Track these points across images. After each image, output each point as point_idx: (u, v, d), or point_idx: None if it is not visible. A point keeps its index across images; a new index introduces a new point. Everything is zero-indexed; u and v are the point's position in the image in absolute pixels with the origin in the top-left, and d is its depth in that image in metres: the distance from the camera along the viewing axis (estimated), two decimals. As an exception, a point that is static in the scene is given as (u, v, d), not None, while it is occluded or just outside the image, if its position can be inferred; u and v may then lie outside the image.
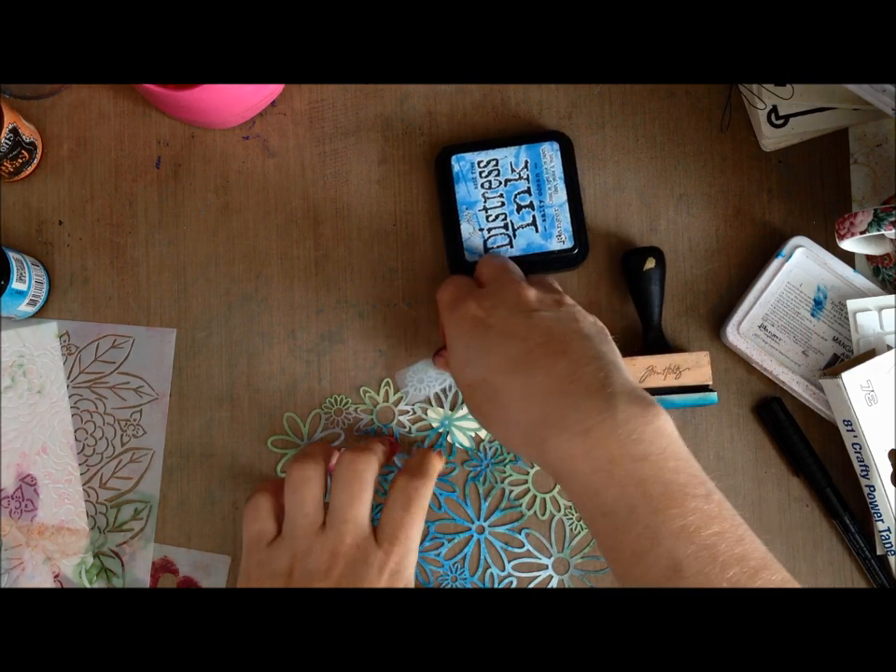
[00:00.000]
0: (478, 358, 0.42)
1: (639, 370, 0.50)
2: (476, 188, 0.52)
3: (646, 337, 0.52)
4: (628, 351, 0.51)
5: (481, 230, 0.52)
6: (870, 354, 0.50)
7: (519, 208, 0.52)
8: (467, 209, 0.52)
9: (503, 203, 0.52)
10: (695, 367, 0.50)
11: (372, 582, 0.43)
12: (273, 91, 0.53)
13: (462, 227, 0.52)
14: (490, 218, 0.52)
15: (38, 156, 0.54)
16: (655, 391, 0.50)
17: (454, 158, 0.52)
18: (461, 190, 0.52)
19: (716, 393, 0.51)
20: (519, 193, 0.52)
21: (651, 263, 0.51)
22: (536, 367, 0.40)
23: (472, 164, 0.52)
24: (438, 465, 0.49)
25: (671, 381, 0.50)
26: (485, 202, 0.52)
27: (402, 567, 0.44)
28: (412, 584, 0.45)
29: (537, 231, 0.52)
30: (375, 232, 0.54)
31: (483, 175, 0.52)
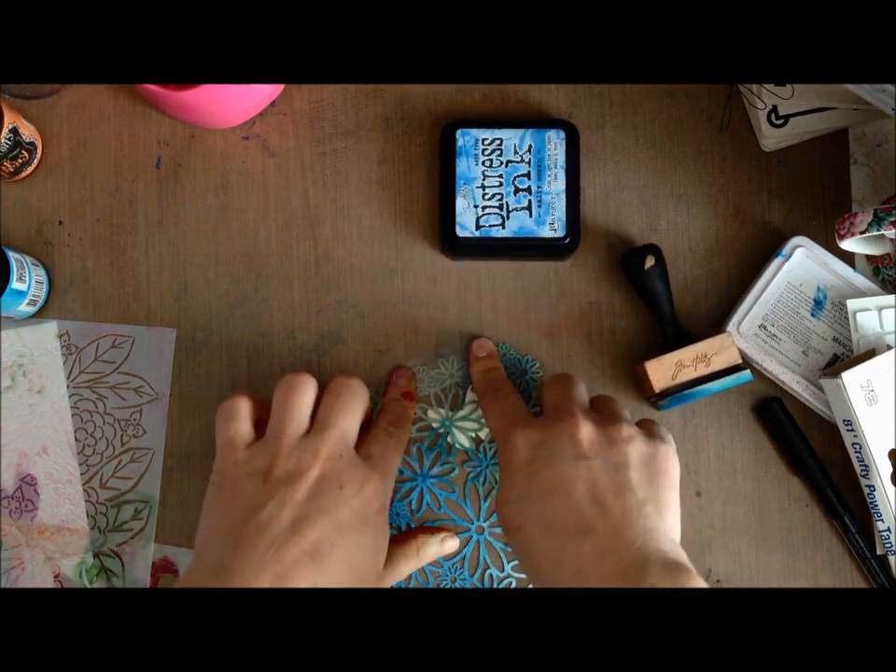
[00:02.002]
0: (519, 503, 0.43)
1: (669, 367, 0.50)
2: (477, 164, 0.52)
3: (665, 334, 0.52)
4: (649, 352, 0.51)
5: (475, 206, 0.52)
6: (870, 354, 0.50)
7: (516, 191, 0.52)
8: (464, 184, 0.52)
9: (501, 184, 0.52)
10: (722, 350, 0.50)
11: (354, 492, 0.43)
12: (272, 90, 0.53)
13: (457, 201, 0.52)
14: (486, 197, 0.52)
15: (38, 156, 0.54)
16: (689, 384, 0.50)
17: (459, 131, 0.52)
18: (461, 165, 0.52)
19: (748, 370, 0.50)
20: (518, 176, 0.52)
21: (650, 261, 0.51)
22: (570, 541, 0.40)
23: (476, 140, 0.52)
24: (412, 407, 0.52)
25: (702, 370, 0.50)
26: (484, 179, 0.52)
27: (384, 488, 0.45)
28: (387, 505, 0.45)
29: (531, 216, 0.52)
30: (375, 232, 0.54)
31: (486, 153, 0.52)
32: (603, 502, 0.41)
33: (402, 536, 0.50)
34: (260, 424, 0.46)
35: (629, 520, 0.41)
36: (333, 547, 0.41)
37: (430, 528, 0.52)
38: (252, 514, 0.41)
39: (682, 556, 0.40)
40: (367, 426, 0.49)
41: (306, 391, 0.45)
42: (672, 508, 0.43)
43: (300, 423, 0.45)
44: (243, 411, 0.46)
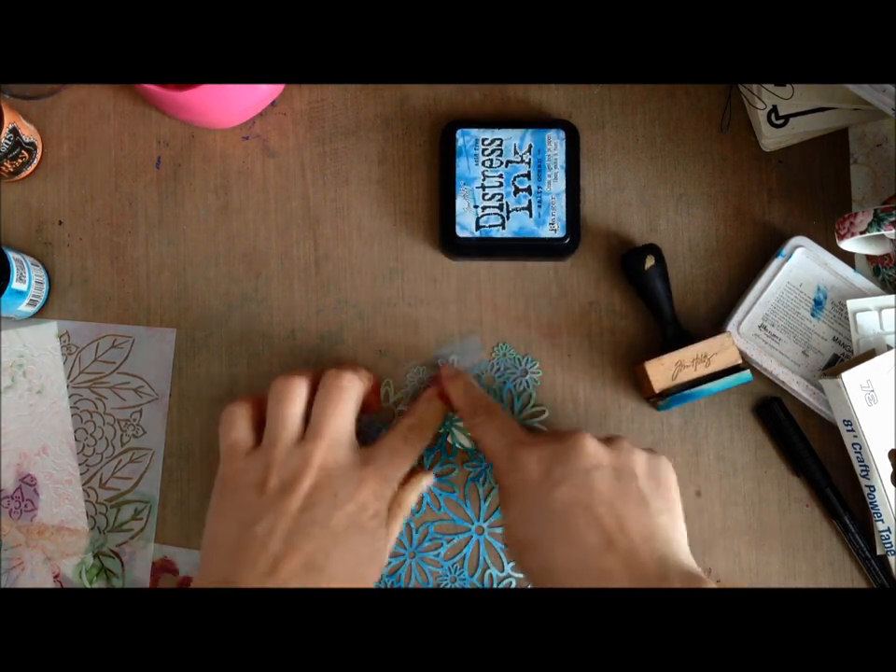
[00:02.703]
0: (536, 520, 0.42)
1: (669, 367, 0.50)
2: (477, 164, 0.52)
3: (665, 334, 0.52)
4: (649, 352, 0.51)
5: (475, 207, 0.52)
6: (870, 354, 0.50)
7: (516, 191, 0.52)
8: (464, 184, 0.52)
9: (501, 184, 0.52)
10: (722, 350, 0.50)
11: (348, 497, 0.43)
12: (272, 90, 0.53)
13: (457, 201, 0.52)
14: (486, 197, 0.52)
15: (38, 156, 0.54)
16: (690, 384, 0.50)
17: (459, 132, 0.52)
18: (461, 165, 0.52)
19: (749, 370, 0.50)
20: (518, 176, 0.52)
21: (650, 261, 0.51)
22: (592, 555, 0.40)
23: (476, 140, 0.52)
24: (440, 415, 0.49)
25: (702, 370, 0.50)
26: (484, 180, 0.52)
27: (381, 492, 0.44)
28: (385, 508, 0.44)
29: (531, 216, 0.52)
30: (375, 232, 0.54)
31: (486, 153, 0.52)
32: (622, 515, 0.41)
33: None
34: (262, 425, 0.46)
35: (649, 531, 0.41)
36: (329, 556, 0.41)
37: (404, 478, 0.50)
38: (249, 527, 0.42)
39: (695, 565, 0.40)
40: (372, 400, 0.49)
41: (296, 397, 0.45)
42: (681, 516, 0.43)
43: (292, 430, 0.44)
44: (241, 417, 0.46)
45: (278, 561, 0.41)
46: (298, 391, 0.45)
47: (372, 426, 0.53)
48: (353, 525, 0.43)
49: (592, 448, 0.43)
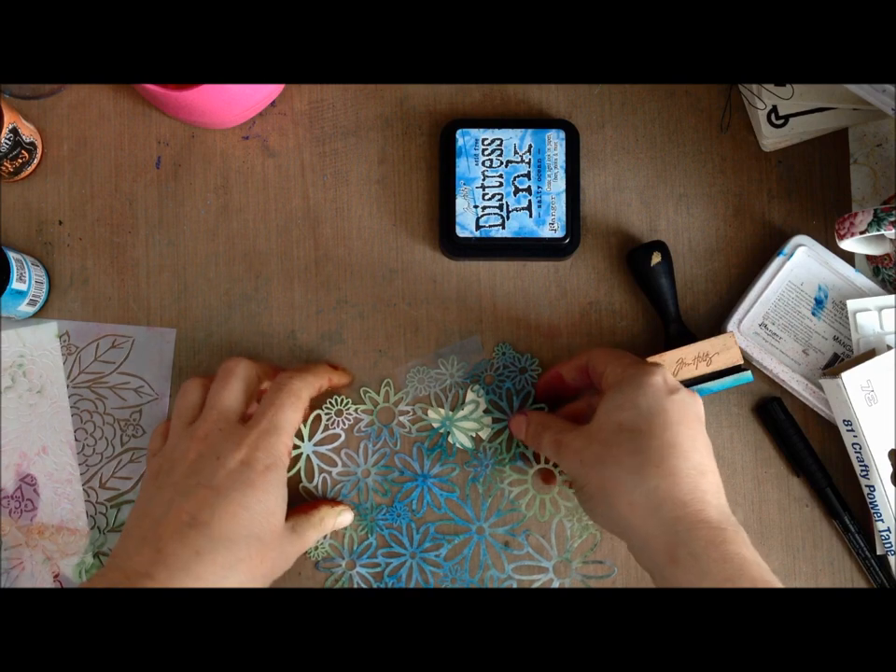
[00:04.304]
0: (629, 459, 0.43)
1: (670, 364, 0.50)
2: (477, 164, 0.52)
3: (668, 331, 0.52)
4: (648, 352, 0.51)
5: (475, 206, 0.52)
6: (870, 354, 0.50)
7: (516, 191, 0.52)
8: (464, 184, 0.52)
9: (501, 184, 0.52)
10: (724, 350, 0.50)
11: (228, 455, 0.44)
12: (272, 90, 0.53)
13: (457, 201, 0.52)
14: (486, 197, 0.52)
15: (38, 156, 0.54)
16: (690, 382, 0.50)
17: (459, 132, 0.52)
18: (461, 165, 0.52)
19: (749, 371, 0.50)
20: (518, 176, 0.52)
21: (657, 258, 0.51)
22: (705, 476, 0.42)
23: (476, 140, 0.52)
24: (322, 370, 0.50)
25: (703, 369, 0.50)
26: (484, 179, 0.52)
27: (266, 444, 0.45)
28: (277, 464, 0.45)
29: (531, 216, 0.52)
30: (375, 232, 0.54)
31: (486, 153, 0.52)
32: (698, 431, 0.44)
33: (307, 506, 0.50)
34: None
35: (707, 463, 0.43)
36: (214, 512, 0.42)
37: (332, 500, 0.52)
38: (147, 513, 0.44)
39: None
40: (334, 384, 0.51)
41: (191, 392, 0.47)
42: None
43: (186, 418, 0.47)
44: (194, 388, 0.48)
45: (159, 523, 0.42)
46: (192, 386, 0.48)
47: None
48: (240, 482, 0.43)
49: (666, 375, 0.45)
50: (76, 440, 0.54)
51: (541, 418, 0.49)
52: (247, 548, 0.43)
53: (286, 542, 0.46)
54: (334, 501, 0.52)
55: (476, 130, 0.52)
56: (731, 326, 0.52)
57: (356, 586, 0.53)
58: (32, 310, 0.53)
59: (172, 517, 0.42)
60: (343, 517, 0.51)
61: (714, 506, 0.41)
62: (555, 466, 0.50)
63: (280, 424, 0.46)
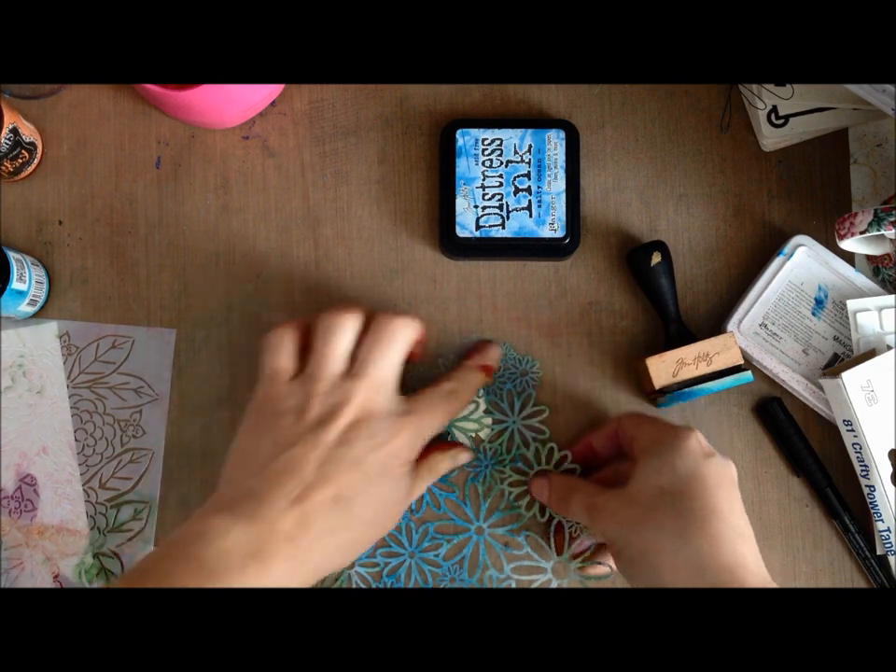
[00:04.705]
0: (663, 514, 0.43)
1: (670, 364, 0.50)
2: (477, 164, 0.52)
3: (668, 331, 0.52)
4: (649, 352, 0.51)
5: (475, 206, 0.52)
6: (870, 354, 0.50)
7: (516, 191, 0.52)
8: (464, 184, 0.52)
9: (501, 184, 0.52)
10: (724, 350, 0.50)
11: (384, 442, 0.43)
12: (272, 90, 0.53)
13: (457, 201, 0.52)
14: (486, 197, 0.52)
15: (38, 156, 0.54)
16: (690, 382, 0.50)
17: (459, 131, 0.52)
18: (461, 165, 0.52)
19: (749, 371, 0.50)
20: (518, 176, 0.52)
21: (657, 258, 0.51)
22: (741, 539, 0.42)
23: (476, 140, 0.52)
24: (479, 384, 0.50)
25: (703, 369, 0.50)
26: (484, 179, 0.52)
27: (413, 444, 0.44)
28: (410, 471, 0.45)
29: (531, 216, 0.52)
30: (375, 232, 0.54)
31: (486, 153, 0.52)
32: (728, 498, 0.43)
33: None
34: (305, 352, 0.46)
35: (741, 528, 0.43)
36: (357, 495, 0.42)
37: (443, 445, 0.51)
38: (284, 450, 0.42)
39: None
40: (417, 350, 0.49)
41: (344, 332, 0.45)
42: None
43: (336, 365, 0.44)
44: (287, 344, 0.46)
45: (309, 489, 0.41)
46: (347, 326, 0.45)
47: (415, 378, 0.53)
48: (384, 471, 0.43)
49: (700, 438, 0.45)
50: (76, 440, 0.54)
51: (568, 481, 0.49)
52: (373, 531, 0.44)
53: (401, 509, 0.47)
54: (446, 445, 0.51)
55: (476, 130, 0.52)
56: (731, 326, 0.52)
57: (354, 586, 0.53)
58: (32, 310, 0.53)
59: (321, 485, 0.41)
60: (460, 457, 0.50)
61: (755, 574, 0.41)
62: (567, 520, 0.50)
63: (433, 428, 0.46)
